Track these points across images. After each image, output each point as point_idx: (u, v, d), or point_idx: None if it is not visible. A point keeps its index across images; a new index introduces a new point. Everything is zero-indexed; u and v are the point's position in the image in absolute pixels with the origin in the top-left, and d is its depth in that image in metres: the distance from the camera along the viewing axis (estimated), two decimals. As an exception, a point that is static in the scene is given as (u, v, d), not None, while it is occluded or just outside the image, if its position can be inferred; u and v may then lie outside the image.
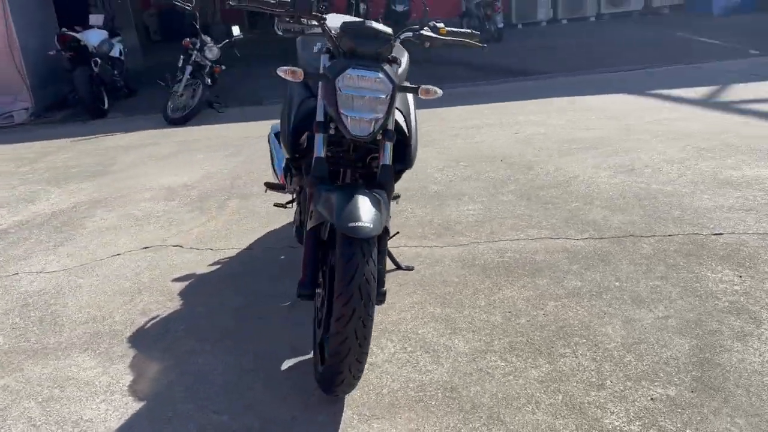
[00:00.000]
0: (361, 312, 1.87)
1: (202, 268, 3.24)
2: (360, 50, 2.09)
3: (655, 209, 3.48)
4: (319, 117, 2.17)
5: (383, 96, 2.07)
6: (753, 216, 3.29)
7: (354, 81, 2.05)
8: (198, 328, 2.68)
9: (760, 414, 1.94)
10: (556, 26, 13.11)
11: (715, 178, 3.86)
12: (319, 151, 2.16)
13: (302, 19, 2.29)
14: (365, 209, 1.95)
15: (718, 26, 11.20)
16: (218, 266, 3.26)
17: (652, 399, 2.04)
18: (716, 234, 3.13)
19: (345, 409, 2.13)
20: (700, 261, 2.88)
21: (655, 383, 2.11)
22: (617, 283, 2.75)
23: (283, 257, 3.31)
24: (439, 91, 2.18)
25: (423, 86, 2.17)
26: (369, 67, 2.06)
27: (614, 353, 2.29)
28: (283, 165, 3.05)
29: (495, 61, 9.03)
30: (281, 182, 3.15)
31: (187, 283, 3.09)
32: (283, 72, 2.12)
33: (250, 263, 3.28)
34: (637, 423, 1.95)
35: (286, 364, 2.40)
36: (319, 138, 2.16)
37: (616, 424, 1.95)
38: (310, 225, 2.12)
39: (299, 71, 2.11)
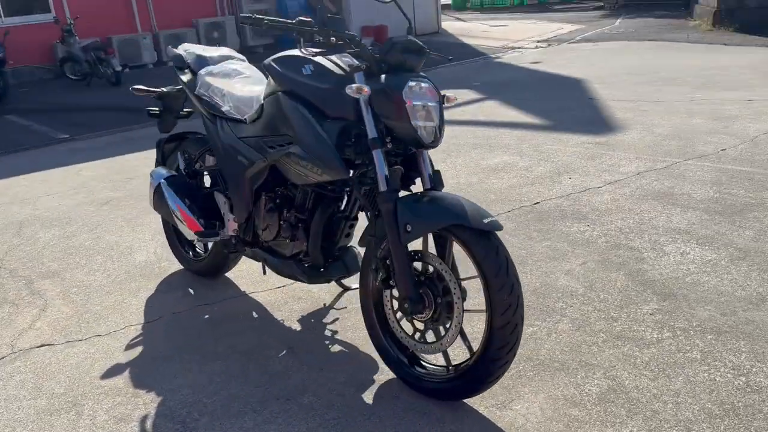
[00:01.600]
0: (522, 296, 2.04)
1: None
2: (408, 63, 2.19)
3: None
4: (372, 133, 2.16)
5: (436, 104, 2.21)
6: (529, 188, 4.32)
7: (418, 92, 2.14)
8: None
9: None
10: (164, 68, 13.08)
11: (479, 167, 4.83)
12: (383, 166, 2.17)
13: (332, 39, 2.23)
14: (472, 205, 2.09)
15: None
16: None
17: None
18: (535, 203, 4.03)
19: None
20: (552, 222, 3.71)
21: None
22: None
23: (207, 316, 2.95)
24: (456, 98, 2.42)
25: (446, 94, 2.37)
26: (421, 78, 2.19)
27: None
28: (228, 205, 2.79)
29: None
30: (200, 230, 2.85)
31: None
32: (351, 90, 2.10)
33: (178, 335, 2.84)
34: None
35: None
36: (378, 153, 2.17)
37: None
38: (405, 239, 2.11)
39: (366, 87, 2.10)
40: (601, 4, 20.00)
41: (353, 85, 2.11)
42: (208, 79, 2.91)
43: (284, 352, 2.62)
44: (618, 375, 2.29)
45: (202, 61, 3.02)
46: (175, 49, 3.19)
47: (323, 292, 3.08)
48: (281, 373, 2.48)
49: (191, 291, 3.24)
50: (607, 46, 11.51)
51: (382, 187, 2.17)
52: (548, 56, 10.89)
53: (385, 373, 2.41)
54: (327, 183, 2.36)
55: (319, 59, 2.35)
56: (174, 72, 3.11)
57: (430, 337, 2.23)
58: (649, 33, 12.68)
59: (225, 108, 2.78)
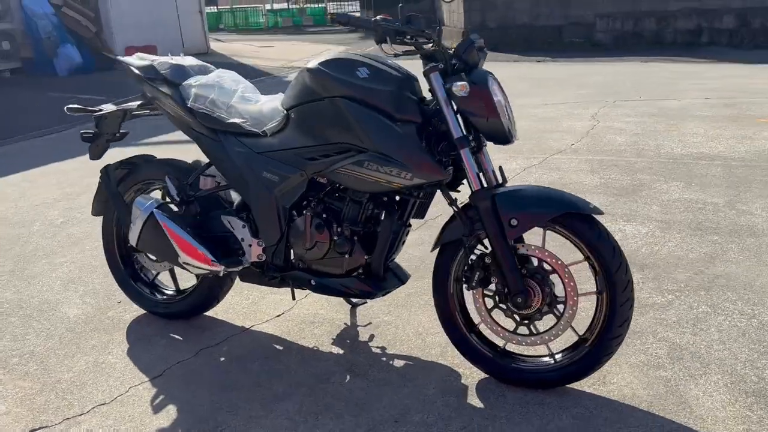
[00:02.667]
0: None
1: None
2: (480, 63, 2.23)
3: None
4: (458, 132, 2.15)
5: (506, 99, 2.26)
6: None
7: (497, 88, 2.19)
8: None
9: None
10: None
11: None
12: (474, 164, 2.17)
13: (419, 39, 2.16)
14: (566, 193, 2.19)
15: (77, 84, 11.53)
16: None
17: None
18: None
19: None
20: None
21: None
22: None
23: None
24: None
25: None
26: (492, 75, 2.23)
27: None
28: (249, 228, 2.50)
29: None
30: (213, 266, 2.52)
31: None
32: (456, 88, 2.08)
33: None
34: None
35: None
36: (467, 152, 2.16)
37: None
38: (512, 234, 2.14)
39: (467, 84, 2.10)
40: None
41: (458, 83, 2.09)
42: (201, 90, 2.57)
43: (348, 377, 2.43)
44: (666, 336, 2.57)
45: (182, 72, 2.65)
46: (132, 60, 2.75)
47: (334, 312, 2.90)
48: (366, 398, 2.30)
49: (177, 336, 2.80)
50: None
51: (475, 185, 2.17)
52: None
53: (469, 377, 2.38)
54: (413, 188, 2.26)
55: (370, 62, 2.27)
56: (142, 84, 2.68)
57: (523, 330, 2.26)
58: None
59: (232, 121, 2.49)
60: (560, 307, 2.20)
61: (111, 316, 3.01)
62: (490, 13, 14.51)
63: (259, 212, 2.50)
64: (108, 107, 2.79)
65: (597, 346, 2.17)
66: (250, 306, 3.00)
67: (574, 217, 2.12)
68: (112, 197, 2.84)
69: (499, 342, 2.34)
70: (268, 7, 30.64)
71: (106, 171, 2.85)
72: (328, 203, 2.45)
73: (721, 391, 2.20)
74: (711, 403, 2.15)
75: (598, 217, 2.15)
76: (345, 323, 2.82)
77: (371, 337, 2.69)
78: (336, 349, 2.62)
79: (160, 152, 3.20)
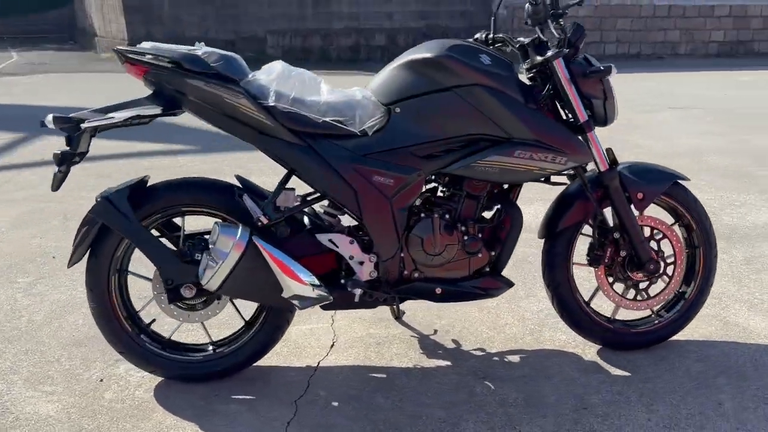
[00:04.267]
0: None
1: None
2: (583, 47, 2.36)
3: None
4: (585, 115, 2.25)
5: None
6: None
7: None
8: None
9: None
10: None
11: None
12: (601, 145, 2.31)
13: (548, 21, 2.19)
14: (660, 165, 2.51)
15: None
16: None
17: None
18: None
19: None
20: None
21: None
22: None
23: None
24: None
25: None
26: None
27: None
28: (359, 243, 2.19)
29: None
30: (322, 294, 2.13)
31: None
32: (601, 74, 2.20)
33: None
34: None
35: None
36: (595, 134, 2.28)
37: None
38: (642, 207, 2.35)
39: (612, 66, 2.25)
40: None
41: (602, 66, 2.21)
42: (280, 87, 2.09)
43: (489, 383, 2.30)
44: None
45: (237, 65, 2.10)
46: (147, 48, 2.06)
47: (383, 328, 2.65)
48: (532, 394, 2.23)
49: (241, 406, 2.20)
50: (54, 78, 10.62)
51: (603, 166, 2.31)
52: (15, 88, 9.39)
53: (588, 351, 2.49)
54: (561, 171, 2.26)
55: (480, 47, 2.24)
56: (173, 79, 2.04)
57: (642, 295, 2.49)
58: (65, 65, 12.22)
59: (326, 120, 2.10)
60: (670, 268, 2.48)
61: (109, 400, 2.19)
62: (156, 26, 13.74)
63: (372, 223, 2.17)
64: (119, 114, 2.02)
65: (697, 296, 2.51)
66: (284, 344, 2.51)
67: (675, 185, 2.42)
68: (132, 235, 2.09)
69: (608, 313, 2.51)
70: None
71: (108, 202, 2.08)
72: (442, 202, 2.27)
73: None
74: None
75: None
76: (412, 335, 2.61)
77: (456, 341, 2.57)
78: (441, 362, 2.44)
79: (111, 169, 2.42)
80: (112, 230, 2.12)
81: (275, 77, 2.12)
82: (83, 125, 2.00)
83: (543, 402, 2.20)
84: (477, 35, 2.38)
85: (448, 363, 2.43)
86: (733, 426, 2.06)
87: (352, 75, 11.92)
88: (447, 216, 2.24)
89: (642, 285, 2.45)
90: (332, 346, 2.54)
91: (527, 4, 2.21)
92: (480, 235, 2.26)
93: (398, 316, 2.71)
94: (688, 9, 13.42)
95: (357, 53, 14.48)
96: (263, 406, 2.18)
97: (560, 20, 2.22)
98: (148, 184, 2.23)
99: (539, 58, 2.24)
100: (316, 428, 2.06)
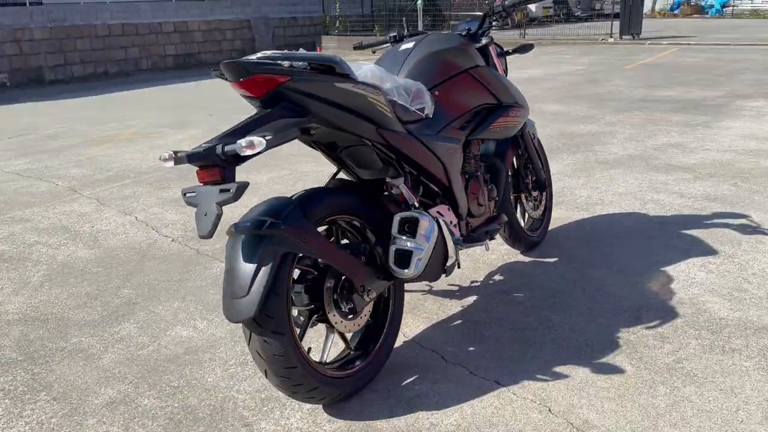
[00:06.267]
0: None
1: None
2: None
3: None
4: None
5: None
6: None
7: None
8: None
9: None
10: None
11: None
12: None
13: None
14: None
15: None
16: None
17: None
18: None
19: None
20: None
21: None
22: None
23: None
24: None
25: None
26: None
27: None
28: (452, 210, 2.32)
29: None
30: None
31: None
32: None
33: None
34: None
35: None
36: None
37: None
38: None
39: None
40: None
41: (506, 49, 2.83)
42: (385, 83, 2.05)
43: (583, 320, 2.63)
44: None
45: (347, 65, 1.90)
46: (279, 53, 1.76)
47: (445, 288, 2.61)
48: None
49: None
50: None
51: None
52: None
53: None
54: None
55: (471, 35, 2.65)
56: (333, 81, 1.81)
57: (532, 206, 3.17)
58: None
59: (415, 109, 2.14)
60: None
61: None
62: None
63: (457, 188, 2.30)
64: (278, 137, 1.61)
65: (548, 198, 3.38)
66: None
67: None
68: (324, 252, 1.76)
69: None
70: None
71: (289, 228, 1.67)
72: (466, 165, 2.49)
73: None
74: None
75: None
76: (476, 284, 2.66)
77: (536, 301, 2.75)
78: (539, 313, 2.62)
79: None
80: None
81: (369, 72, 1.98)
82: (243, 153, 1.54)
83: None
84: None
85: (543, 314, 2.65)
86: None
87: None
88: (479, 174, 2.48)
89: (535, 195, 3.13)
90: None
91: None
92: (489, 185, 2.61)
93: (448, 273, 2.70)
94: (140, 26, 13.95)
95: None
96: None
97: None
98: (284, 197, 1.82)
99: (484, 41, 2.63)
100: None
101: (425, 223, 2.00)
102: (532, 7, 18.68)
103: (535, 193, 3.04)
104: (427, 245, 1.99)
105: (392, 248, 1.98)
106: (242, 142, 1.53)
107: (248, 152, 1.53)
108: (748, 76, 8.80)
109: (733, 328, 2.28)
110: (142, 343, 2.38)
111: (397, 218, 2.00)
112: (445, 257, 2.13)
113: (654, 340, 2.23)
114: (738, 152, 4.75)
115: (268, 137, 1.55)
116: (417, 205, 2.08)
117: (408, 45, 2.38)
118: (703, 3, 28.16)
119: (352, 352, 2.02)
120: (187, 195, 1.63)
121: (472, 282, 2.72)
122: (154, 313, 2.61)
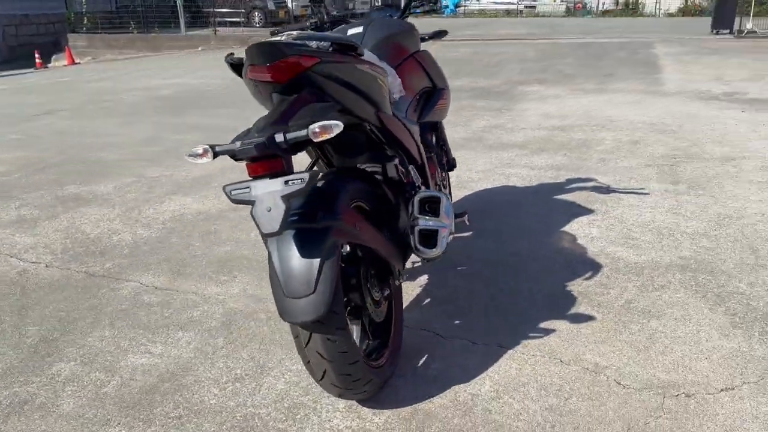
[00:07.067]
0: None
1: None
2: None
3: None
4: None
5: None
6: None
7: None
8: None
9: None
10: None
11: None
12: None
13: None
14: None
15: None
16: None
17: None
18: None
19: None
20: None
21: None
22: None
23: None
24: None
25: None
26: None
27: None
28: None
29: None
30: None
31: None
32: None
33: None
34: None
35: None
36: None
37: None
38: None
39: None
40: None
41: None
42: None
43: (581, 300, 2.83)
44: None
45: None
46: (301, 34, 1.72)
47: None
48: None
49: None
50: None
51: None
52: None
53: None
54: None
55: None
56: (354, 62, 1.82)
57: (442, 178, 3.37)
58: None
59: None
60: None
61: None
62: None
63: (427, 170, 2.37)
64: (342, 120, 1.51)
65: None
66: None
67: None
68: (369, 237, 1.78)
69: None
70: None
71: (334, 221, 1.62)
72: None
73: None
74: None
75: None
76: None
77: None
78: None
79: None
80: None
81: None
82: (317, 139, 1.46)
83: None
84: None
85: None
86: (568, 205, 3.43)
87: None
88: (433, 154, 2.61)
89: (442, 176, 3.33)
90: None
91: None
92: None
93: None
94: None
95: None
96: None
97: None
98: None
99: None
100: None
101: (445, 201, 2.00)
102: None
103: (442, 174, 3.18)
104: (449, 222, 2.00)
105: (416, 229, 1.95)
106: (315, 127, 1.42)
107: (325, 137, 1.42)
108: (513, 66, 10.00)
109: (649, 269, 2.67)
110: (99, 379, 2.03)
111: (417, 198, 1.98)
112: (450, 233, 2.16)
113: (599, 288, 2.51)
114: (548, 129, 5.42)
115: (340, 120, 1.45)
116: (421, 185, 2.08)
117: (357, 30, 2.34)
118: (438, 3, 31.02)
119: (370, 342, 1.97)
120: (235, 192, 1.45)
121: (414, 262, 2.78)
122: (85, 346, 2.23)
